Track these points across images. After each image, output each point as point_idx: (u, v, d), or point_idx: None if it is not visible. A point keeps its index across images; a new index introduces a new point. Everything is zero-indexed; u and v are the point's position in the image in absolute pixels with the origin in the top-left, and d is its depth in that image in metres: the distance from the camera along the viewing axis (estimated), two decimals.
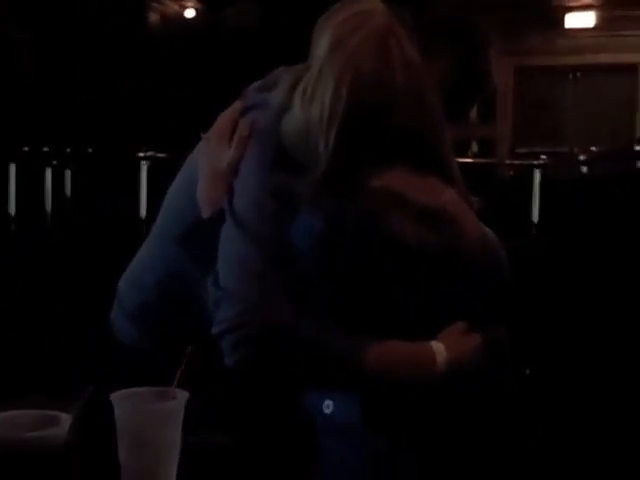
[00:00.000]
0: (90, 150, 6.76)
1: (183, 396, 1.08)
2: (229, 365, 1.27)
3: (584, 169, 5.28)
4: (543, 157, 5.30)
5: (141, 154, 6.00)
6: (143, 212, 5.52)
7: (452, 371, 1.29)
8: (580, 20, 9.09)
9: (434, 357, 1.29)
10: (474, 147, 7.82)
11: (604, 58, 9.04)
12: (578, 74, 9.33)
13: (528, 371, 1.43)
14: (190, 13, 9.33)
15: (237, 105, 1.46)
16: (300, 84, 1.30)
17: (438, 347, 1.30)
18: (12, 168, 6.30)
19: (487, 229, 1.37)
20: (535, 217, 4.98)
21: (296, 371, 1.28)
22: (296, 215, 1.32)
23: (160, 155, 5.95)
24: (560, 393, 2.84)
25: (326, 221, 1.30)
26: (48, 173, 6.40)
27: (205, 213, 1.39)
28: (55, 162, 6.48)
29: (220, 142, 1.41)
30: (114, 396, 1.07)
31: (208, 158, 1.43)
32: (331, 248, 1.30)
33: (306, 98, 1.28)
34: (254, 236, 1.30)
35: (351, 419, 1.30)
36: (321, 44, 1.30)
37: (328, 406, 1.32)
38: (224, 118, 1.45)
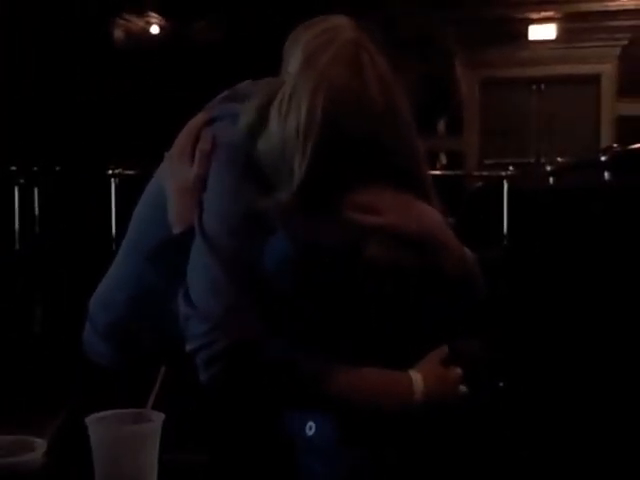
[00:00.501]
0: (58, 168, 6.70)
1: (159, 417, 1.08)
2: (203, 381, 1.26)
3: (551, 179, 5.33)
4: (511, 168, 5.35)
5: (110, 171, 5.97)
6: (113, 229, 5.50)
7: (430, 403, 1.28)
8: (542, 32, 9.19)
9: (411, 388, 1.28)
10: (443, 159, 7.87)
11: (567, 69, 9.15)
12: (542, 85, 9.43)
13: (501, 384, 1.43)
14: (155, 29, 9.31)
15: (198, 118, 1.46)
16: (274, 101, 1.30)
17: (416, 378, 1.29)
18: None
19: (465, 248, 1.37)
20: (505, 228, 5.02)
21: (266, 389, 1.28)
22: (269, 234, 1.32)
23: (129, 172, 5.92)
24: (536, 405, 2.86)
25: (300, 243, 1.29)
26: (15, 192, 6.33)
27: (176, 229, 1.39)
28: (22, 181, 6.42)
29: (182, 158, 1.41)
30: (89, 419, 1.06)
31: (173, 176, 1.43)
32: (306, 270, 1.29)
33: (282, 115, 1.27)
34: (221, 252, 1.30)
35: (333, 441, 1.30)
36: (292, 61, 1.30)
37: (310, 427, 1.32)
38: (184, 134, 1.46)
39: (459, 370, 1.32)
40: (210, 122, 1.42)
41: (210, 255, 1.30)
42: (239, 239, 1.31)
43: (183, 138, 1.45)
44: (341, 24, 1.32)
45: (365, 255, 1.27)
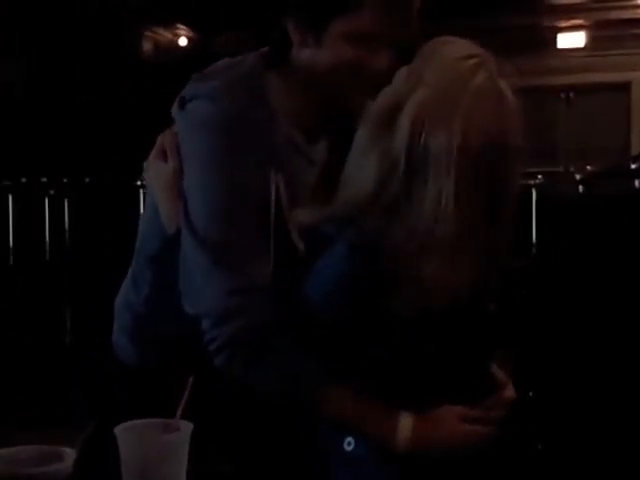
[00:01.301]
0: (87, 179, 6.77)
1: (187, 427, 1.08)
2: (217, 366, 1.29)
3: (581, 188, 5.29)
4: (540, 177, 5.31)
5: (138, 182, 6.01)
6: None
7: (419, 450, 1.24)
8: (571, 40, 9.14)
9: (394, 431, 1.24)
10: None
11: (596, 77, 9.09)
12: (571, 94, 9.37)
13: (531, 394, 1.42)
14: (183, 41, 9.38)
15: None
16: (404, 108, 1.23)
17: (405, 422, 1.25)
18: (10, 199, 6.31)
19: None
20: (534, 236, 4.99)
21: (266, 379, 1.29)
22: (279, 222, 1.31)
23: None
24: (566, 413, 2.83)
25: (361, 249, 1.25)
26: (46, 203, 6.40)
27: (170, 229, 1.39)
28: (52, 192, 6.48)
29: (157, 158, 1.43)
30: (118, 429, 1.06)
31: (156, 179, 1.44)
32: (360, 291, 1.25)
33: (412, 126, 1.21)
34: (207, 238, 1.30)
35: (370, 458, 1.28)
36: (429, 72, 1.24)
37: (349, 443, 1.30)
38: (159, 137, 1.47)
39: (477, 428, 1.27)
40: (182, 104, 1.41)
41: (195, 243, 1.31)
42: (225, 221, 1.31)
43: (157, 143, 1.46)
44: (483, 54, 1.27)
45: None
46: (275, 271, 1.32)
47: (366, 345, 1.26)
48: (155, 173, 1.44)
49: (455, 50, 1.27)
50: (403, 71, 1.29)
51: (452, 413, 1.27)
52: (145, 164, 1.48)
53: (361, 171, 1.25)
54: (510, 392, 1.35)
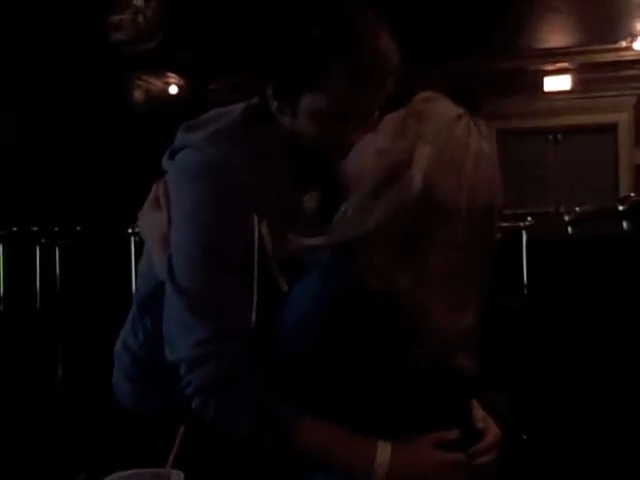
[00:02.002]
0: (78, 228, 6.78)
1: (178, 477, 1.08)
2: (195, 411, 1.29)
3: (570, 229, 5.32)
4: (529, 218, 5.35)
5: (129, 230, 6.03)
6: (134, 287, 5.51)
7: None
8: (557, 83, 9.26)
9: (372, 459, 1.23)
10: None
11: (583, 119, 9.19)
12: (559, 135, 9.47)
13: (525, 436, 1.41)
14: (174, 90, 9.47)
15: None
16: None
17: (383, 450, 1.24)
18: (1, 248, 6.31)
19: None
20: (525, 277, 5.00)
21: (238, 424, 1.28)
22: (254, 270, 1.32)
23: None
24: (557, 451, 2.82)
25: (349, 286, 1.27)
26: (37, 252, 6.40)
27: (161, 276, 1.40)
28: (44, 241, 6.49)
29: (153, 208, 1.45)
30: (110, 479, 1.06)
31: (150, 228, 1.46)
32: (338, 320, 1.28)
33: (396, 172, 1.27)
34: (185, 287, 1.31)
35: None
36: (427, 129, 1.28)
37: None
38: (153, 188, 1.49)
39: (459, 456, 1.28)
40: (172, 154, 1.44)
41: (174, 290, 1.32)
42: (202, 271, 1.32)
43: (152, 192, 1.49)
44: (467, 114, 1.32)
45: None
46: (258, 311, 1.33)
47: (340, 376, 1.27)
48: (149, 222, 1.46)
49: (448, 110, 1.32)
50: (391, 124, 1.33)
51: (429, 441, 1.27)
52: (139, 213, 1.50)
53: (369, 212, 1.27)
54: (494, 434, 1.36)
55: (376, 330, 1.25)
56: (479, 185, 1.27)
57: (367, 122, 1.36)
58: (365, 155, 1.33)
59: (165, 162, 1.45)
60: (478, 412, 1.39)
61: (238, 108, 1.47)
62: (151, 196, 1.48)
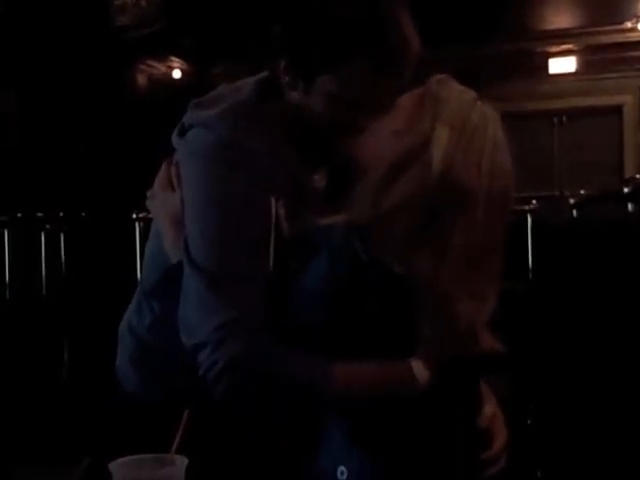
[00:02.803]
0: (83, 214, 6.78)
1: (182, 462, 1.08)
2: (216, 400, 1.27)
3: (575, 212, 5.31)
4: (534, 202, 5.33)
5: (134, 215, 6.02)
6: (138, 273, 5.53)
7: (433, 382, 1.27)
8: (562, 65, 9.20)
9: (411, 373, 1.27)
10: None
11: (588, 101, 9.14)
12: (564, 118, 9.42)
13: (529, 421, 1.41)
14: (177, 74, 9.44)
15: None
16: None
17: (417, 364, 1.28)
18: (6, 234, 6.32)
19: None
20: (530, 261, 4.99)
21: (270, 397, 1.27)
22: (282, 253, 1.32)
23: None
24: (561, 436, 2.82)
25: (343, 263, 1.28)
26: (42, 238, 6.41)
27: (174, 258, 1.39)
28: (49, 226, 6.49)
29: (164, 188, 1.43)
30: (113, 465, 1.07)
31: (162, 208, 1.44)
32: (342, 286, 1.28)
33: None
34: (203, 266, 1.29)
35: None
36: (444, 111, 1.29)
37: (342, 472, 1.30)
38: (162, 167, 1.47)
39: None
40: (182, 132, 1.42)
41: (193, 272, 1.30)
42: (220, 250, 1.30)
43: (162, 170, 1.47)
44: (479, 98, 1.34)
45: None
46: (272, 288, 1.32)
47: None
48: (161, 202, 1.45)
49: (463, 93, 1.33)
50: (407, 106, 1.33)
51: None
52: (149, 193, 1.49)
53: (387, 191, 1.27)
54: (501, 441, 1.36)
55: (389, 314, 1.26)
56: (497, 169, 1.28)
57: (381, 105, 1.34)
58: (381, 136, 1.33)
59: (175, 140, 1.43)
60: (489, 409, 1.38)
61: (248, 84, 1.44)
62: (161, 175, 1.46)
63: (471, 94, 1.33)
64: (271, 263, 1.32)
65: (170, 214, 1.41)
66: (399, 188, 1.26)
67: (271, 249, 1.32)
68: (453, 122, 1.28)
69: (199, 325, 1.29)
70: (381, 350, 1.28)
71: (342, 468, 1.29)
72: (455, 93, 1.33)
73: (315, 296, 1.30)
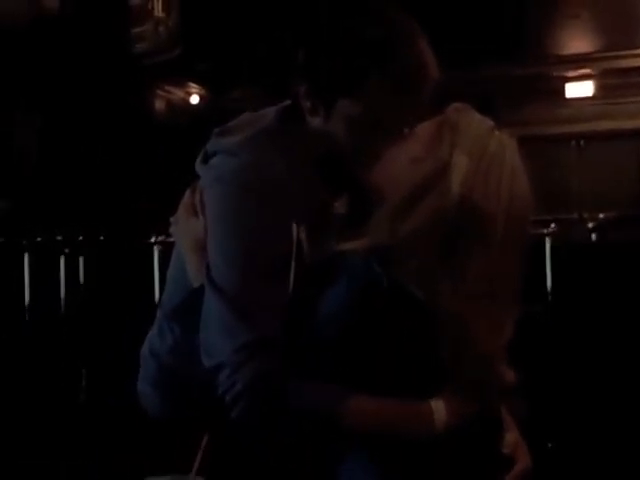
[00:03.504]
0: (102, 237, 6.82)
1: None
2: (234, 420, 1.28)
3: (593, 235, 5.30)
4: (552, 225, 5.32)
5: (152, 239, 6.05)
6: (157, 296, 5.55)
7: (452, 428, 1.26)
8: (580, 90, 9.21)
9: (432, 416, 1.26)
10: None
11: (606, 125, 9.12)
12: (582, 142, 9.41)
13: (550, 445, 1.40)
14: (195, 99, 9.52)
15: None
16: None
17: (437, 406, 1.27)
18: (26, 257, 6.36)
19: None
20: (548, 284, 4.97)
21: (288, 424, 1.28)
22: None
23: (171, 240, 5.98)
24: (582, 458, 2.80)
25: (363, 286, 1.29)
26: (61, 261, 6.45)
27: (196, 283, 1.41)
28: (67, 250, 6.53)
29: (188, 215, 1.45)
30: None
31: (186, 235, 1.46)
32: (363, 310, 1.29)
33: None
34: (225, 289, 1.31)
35: None
36: (462, 142, 1.30)
37: None
38: (187, 193, 1.49)
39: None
40: (206, 159, 1.44)
41: (215, 295, 1.32)
42: (243, 275, 1.31)
43: (186, 197, 1.49)
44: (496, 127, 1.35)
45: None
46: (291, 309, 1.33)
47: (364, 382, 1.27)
48: (184, 228, 1.47)
49: (481, 122, 1.35)
50: (425, 133, 1.35)
51: None
52: (172, 218, 1.51)
53: (406, 217, 1.29)
54: (523, 465, 1.36)
55: (409, 340, 1.27)
56: (515, 196, 1.29)
57: (401, 132, 1.35)
58: (400, 163, 1.34)
59: (198, 166, 1.45)
60: (511, 436, 1.38)
61: (271, 111, 1.46)
62: (185, 201, 1.48)
63: (489, 123, 1.35)
64: (291, 288, 1.33)
65: (193, 240, 1.43)
66: (417, 215, 1.27)
67: (291, 274, 1.34)
68: (471, 150, 1.29)
69: (219, 347, 1.30)
70: (399, 377, 1.28)
71: None
72: (473, 121, 1.34)
73: (334, 321, 1.30)
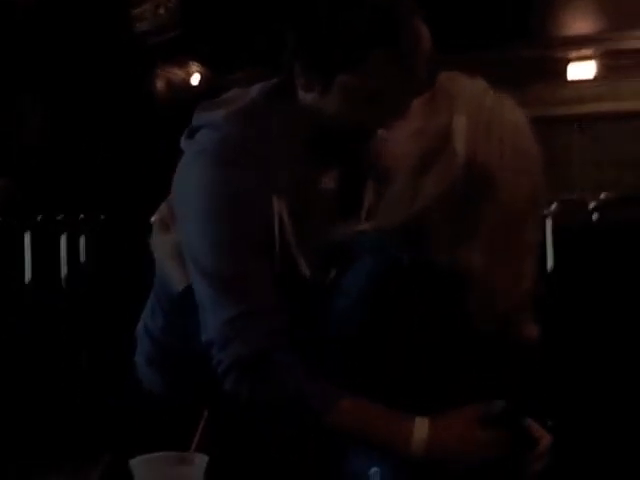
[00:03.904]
0: (103, 217, 6.81)
1: (202, 460, 1.08)
2: (227, 391, 1.30)
3: (595, 216, 5.29)
4: (554, 206, 5.30)
5: (153, 219, 6.04)
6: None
7: (433, 457, 1.21)
8: (581, 71, 9.17)
9: (410, 435, 1.22)
10: None
11: (608, 106, 9.09)
12: (583, 123, 9.38)
13: (550, 423, 1.40)
14: (196, 79, 9.48)
15: None
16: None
17: (421, 426, 1.22)
18: (27, 236, 6.36)
19: None
20: (549, 264, 4.97)
21: (272, 403, 1.29)
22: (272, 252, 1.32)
23: None
24: (580, 445, 2.81)
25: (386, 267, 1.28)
26: (62, 240, 6.45)
27: (178, 288, 1.43)
28: (68, 230, 6.53)
29: (160, 231, 1.49)
30: (133, 462, 1.07)
31: (162, 250, 1.49)
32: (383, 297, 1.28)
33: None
34: (206, 268, 1.32)
35: None
36: (459, 105, 1.30)
37: (376, 473, 1.30)
38: (160, 207, 1.51)
39: (492, 434, 1.24)
40: (191, 134, 1.43)
41: (198, 273, 1.33)
42: (224, 251, 1.32)
43: (157, 212, 1.53)
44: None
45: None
46: (283, 296, 1.33)
47: (398, 351, 1.27)
48: (160, 244, 1.49)
49: (473, 84, 1.35)
50: (420, 106, 1.34)
51: (469, 414, 1.24)
52: (153, 220, 1.52)
53: (417, 190, 1.28)
54: (546, 441, 1.34)
55: (437, 303, 1.26)
56: (521, 150, 1.29)
57: (398, 107, 1.35)
58: (401, 139, 1.34)
59: (183, 142, 1.45)
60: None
61: (256, 88, 1.45)
62: (157, 217, 1.50)
63: (482, 83, 1.34)
64: (278, 264, 1.34)
65: (170, 254, 1.44)
66: (428, 186, 1.27)
67: (276, 250, 1.34)
68: (469, 110, 1.29)
69: (210, 323, 1.32)
70: (436, 340, 1.27)
71: (375, 469, 1.29)
72: (466, 84, 1.34)
73: (356, 308, 1.30)
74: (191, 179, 1.38)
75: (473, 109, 1.29)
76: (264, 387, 1.28)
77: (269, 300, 1.32)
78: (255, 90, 1.45)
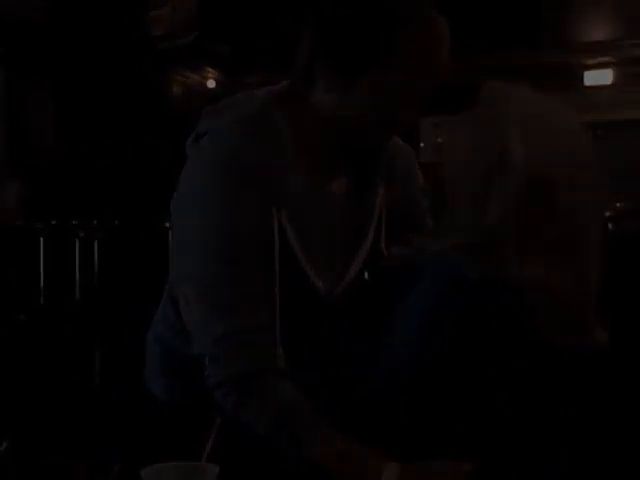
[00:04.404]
0: (117, 222, 6.84)
1: (213, 470, 1.07)
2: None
3: (610, 225, 5.26)
4: None
5: (167, 224, 6.06)
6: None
7: None
8: (598, 78, 9.13)
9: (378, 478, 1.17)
10: None
11: (624, 114, 9.06)
12: (599, 130, 9.34)
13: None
14: (211, 84, 9.50)
15: None
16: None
17: (390, 472, 1.18)
18: (41, 242, 6.39)
19: None
20: None
21: (258, 422, 1.27)
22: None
23: None
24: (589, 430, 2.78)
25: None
26: (76, 245, 6.48)
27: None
28: (83, 234, 6.55)
29: None
30: (145, 472, 1.06)
31: None
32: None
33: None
34: (198, 281, 1.30)
35: None
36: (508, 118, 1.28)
37: None
38: None
39: None
40: (196, 139, 1.40)
41: (190, 285, 1.31)
42: (219, 262, 1.28)
43: None
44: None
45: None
46: (292, 312, 1.31)
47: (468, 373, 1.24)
48: None
49: (521, 91, 1.33)
50: (471, 119, 1.33)
51: (442, 467, 1.19)
52: None
53: (483, 207, 1.26)
54: None
55: (505, 319, 1.24)
56: (577, 154, 1.29)
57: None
58: (458, 155, 1.33)
59: (188, 146, 1.41)
60: None
61: (262, 93, 1.43)
62: None
63: (526, 89, 1.33)
64: (277, 278, 1.31)
65: None
66: (495, 197, 1.25)
67: (276, 262, 1.31)
68: (522, 119, 1.27)
69: (200, 337, 1.31)
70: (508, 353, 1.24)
71: None
72: (513, 92, 1.33)
73: (418, 322, 1.26)
74: (189, 187, 1.36)
75: (527, 118, 1.28)
76: (245, 407, 1.27)
77: (259, 318, 1.29)
78: (261, 94, 1.43)
